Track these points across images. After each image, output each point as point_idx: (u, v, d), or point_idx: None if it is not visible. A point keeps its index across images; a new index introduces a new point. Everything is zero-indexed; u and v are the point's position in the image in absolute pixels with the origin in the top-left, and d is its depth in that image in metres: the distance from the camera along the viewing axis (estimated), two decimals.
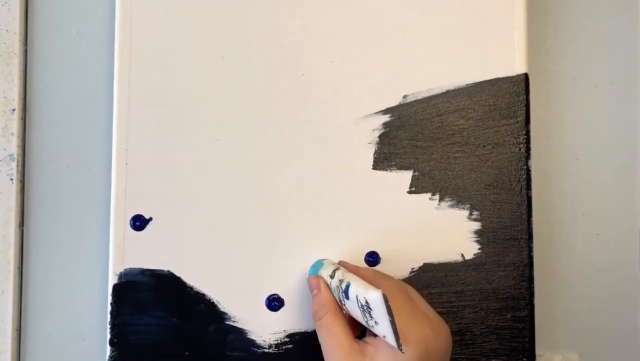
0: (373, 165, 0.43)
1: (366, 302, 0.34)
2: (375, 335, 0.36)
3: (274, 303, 0.42)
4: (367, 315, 0.35)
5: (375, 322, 0.34)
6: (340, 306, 0.38)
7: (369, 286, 0.35)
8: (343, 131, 0.43)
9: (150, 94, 0.42)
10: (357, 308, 0.35)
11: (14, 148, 0.43)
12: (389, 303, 0.33)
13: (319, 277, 0.40)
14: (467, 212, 0.43)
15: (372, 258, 0.43)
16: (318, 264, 0.41)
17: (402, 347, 0.33)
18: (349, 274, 0.37)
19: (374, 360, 0.35)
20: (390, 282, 0.38)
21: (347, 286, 0.36)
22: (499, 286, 0.43)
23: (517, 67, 0.44)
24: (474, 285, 0.43)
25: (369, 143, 0.43)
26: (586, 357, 0.47)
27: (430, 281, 0.43)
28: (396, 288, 0.38)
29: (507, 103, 0.44)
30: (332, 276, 0.39)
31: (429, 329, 0.36)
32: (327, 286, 0.39)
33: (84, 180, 0.44)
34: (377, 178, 0.43)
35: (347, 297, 0.36)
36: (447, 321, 0.43)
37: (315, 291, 0.39)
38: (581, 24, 0.47)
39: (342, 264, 0.41)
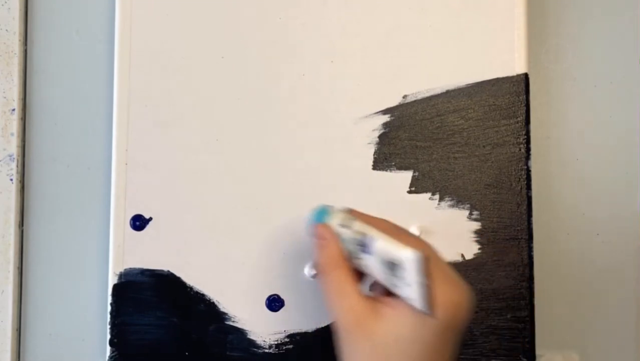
0: (373, 165, 0.43)
1: (396, 260, 0.32)
2: (392, 294, 0.34)
3: (274, 303, 0.42)
4: (393, 273, 0.33)
5: (403, 281, 0.32)
6: (349, 260, 0.36)
7: (401, 244, 0.33)
8: (343, 131, 0.43)
9: (150, 94, 0.42)
10: (380, 265, 0.33)
11: (14, 148, 0.43)
12: (427, 266, 0.31)
13: (327, 225, 0.37)
14: (467, 212, 0.43)
15: None
16: (323, 211, 0.37)
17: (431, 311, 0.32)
18: (370, 228, 0.35)
19: (390, 321, 0.33)
20: (417, 241, 0.35)
21: (371, 240, 0.34)
22: (499, 286, 0.43)
23: (517, 67, 0.44)
24: (474, 285, 0.43)
25: (369, 143, 0.43)
26: (586, 357, 0.47)
27: None
28: (422, 248, 0.34)
29: (507, 103, 0.44)
30: (345, 226, 0.36)
31: (458, 295, 0.33)
32: (335, 236, 0.36)
33: (84, 180, 0.44)
34: (377, 178, 0.43)
35: (368, 252, 0.34)
36: None
37: (321, 241, 0.36)
38: (581, 24, 0.47)
39: (352, 213, 0.38)
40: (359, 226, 0.36)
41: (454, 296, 0.33)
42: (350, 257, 0.36)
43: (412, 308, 0.33)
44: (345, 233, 0.36)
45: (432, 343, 0.32)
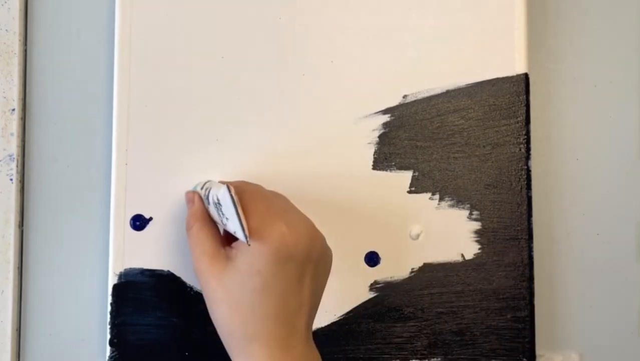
0: (373, 165, 0.43)
1: (217, 199, 0.34)
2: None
3: None
4: (221, 213, 0.35)
5: (227, 218, 0.34)
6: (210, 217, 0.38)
7: (222, 185, 0.35)
8: (343, 131, 0.43)
9: (150, 94, 0.42)
10: (215, 210, 0.36)
11: (14, 148, 0.43)
12: (235, 196, 0.33)
13: (195, 192, 0.40)
14: (467, 212, 0.43)
15: (372, 258, 0.43)
16: (198, 184, 0.41)
17: (250, 240, 0.33)
18: (215, 182, 0.38)
19: (235, 261, 0.35)
20: (251, 186, 0.38)
21: (209, 191, 0.37)
22: (499, 286, 0.43)
23: (517, 67, 0.44)
24: (474, 285, 0.43)
25: (369, 143, 0.43)
26: (586, 357, 0.47)
27: (430, 281, 0.43)
28: (255, 191, 0.38)
29: (507, 103, 0.44)
30: (203, 188, 0.39)
31: (284, 225, 0.35)
32: (201, 198, 0.39)
33: (84, 180, 0.44)
34: (377, 178, 0.43)
35: (208, 202, 0.37)
36: (447, 322, 0.43)
37: (190, 204, 0.39)
38: (581, 24, 0.47)
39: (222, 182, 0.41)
40: (208, 184, 0.38)
41: (280, 227, 0.35)
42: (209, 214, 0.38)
43: (248, 247, 0.35)
44: (202, 193, 0.39)
45: (268, 273, 0.34)
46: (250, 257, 0.35)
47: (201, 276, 0.36)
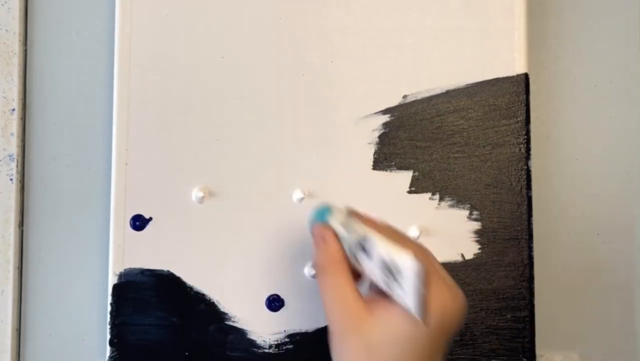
0: (373, 165, 0.43)
1: (397, 267, 0.33)
2: (385, 294, 0.34)
3: (274, 303, 0.42)
4: (391, 277, 0.33)
5: (400, 287, 0.33)
6: (347, 260, 0.36)
7: (401, 249, 0.33)
8: (343, 131, 0.43)
9: (150, 94, 0.42)
10: (379, 268, 0.34)
11: (14, 148, 0.43)
12: (425, 276, 0.32)
13: (327, 225, 0.37)
14: (467, 212, 0.43)
15: None
16: (324, 211, 0.38)
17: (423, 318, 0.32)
18: (370, 230, 0.36)
19: (385, 325, 0.33)
20: (415, 246, 0.36)
21: (371, 244, 0.35)
22: (499, 286, 0.43)
23: (517, 67, 0.44)
24: (474, 285, 0.43)
25: (369, 143, 0.43)
26: (586, 357, 0.47)
27: None
28: (421, 253, 0.35)
29: (507, 103, 0.44)
30: (346, 227, 0.36)
31: (452, 301, 0.34)
32: (336, 237, 0.36)
33: (84, 180, 0.44)
34: (377, 178, 0.43)
35: (368, 254, 0.35)
36: None
37: (321, 241, 0.36)
38: (581, 24, 0.47)
39: (353, 213, 0.39)
40: (359, 227, 0.36)
41: (447, 302, 0.34)
42: (348, 257, 0.36)
43: (406, 312, 0.33)
44: (345, 233, 0.36)
45: (424, 347, 0.33)
46: (408, 327, 0.33)
47: (342, 333, 0.34)
